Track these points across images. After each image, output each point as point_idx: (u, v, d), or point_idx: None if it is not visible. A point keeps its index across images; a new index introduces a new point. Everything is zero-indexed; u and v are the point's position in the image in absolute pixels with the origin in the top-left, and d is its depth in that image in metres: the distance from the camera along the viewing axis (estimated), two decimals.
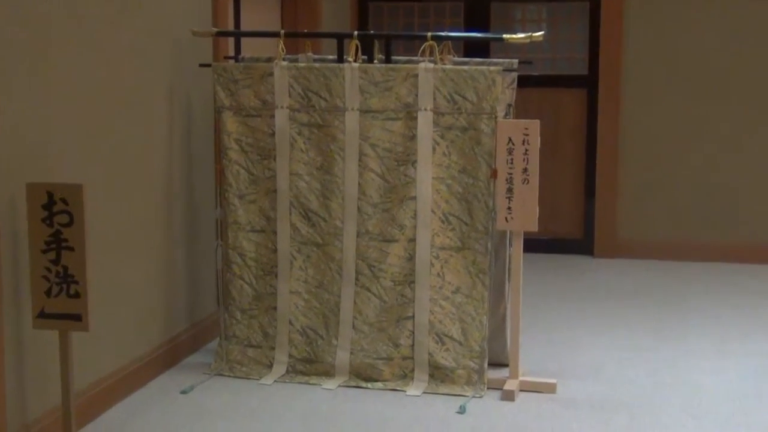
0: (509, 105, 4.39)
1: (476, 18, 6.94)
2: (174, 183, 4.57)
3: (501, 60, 4.40)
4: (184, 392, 4.24)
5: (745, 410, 4.08)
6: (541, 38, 4.26)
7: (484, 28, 6.89)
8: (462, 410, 4.04)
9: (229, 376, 4.44)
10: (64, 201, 3.35)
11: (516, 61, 4.37)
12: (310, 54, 4.56)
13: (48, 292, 3.40)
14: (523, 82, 6.74)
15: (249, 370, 4.46)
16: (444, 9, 7.04)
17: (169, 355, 4.54)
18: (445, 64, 4.35)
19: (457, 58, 4.46)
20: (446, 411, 4.05)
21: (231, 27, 5.44)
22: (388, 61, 4.44)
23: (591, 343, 4.96)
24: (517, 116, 6.84)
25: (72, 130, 3.76)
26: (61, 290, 3.39)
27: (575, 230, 6.96)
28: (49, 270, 3.39)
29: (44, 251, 3.39)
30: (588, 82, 6.81)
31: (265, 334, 4.50)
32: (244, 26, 5.66)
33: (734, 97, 6.59)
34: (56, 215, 3.36)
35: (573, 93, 6.88)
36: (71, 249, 3.37)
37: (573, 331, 5.17)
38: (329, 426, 3.90)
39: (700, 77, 6.61)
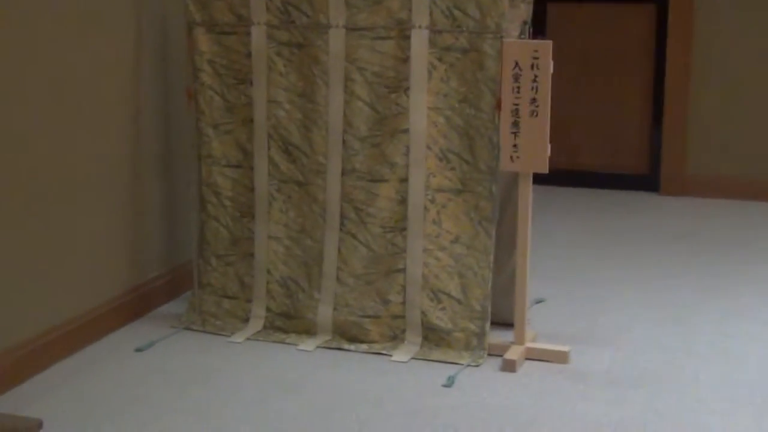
0: (525, 23, 3.74)
1: None
2: (145, 111, 4.06)
3: None
4: (139, 350, 3.76)
5: None
6: None
7: None
8: (449, 383, 3.48)
9: (199, 330, 3.96)
10: None
11: None
12: None
13: None
14: None
15: (223, 324, 3.97)
16: None
17: (139, 304, 4.09)
18: None
19: None
20: (432, 382, 3.50)
21: None
22: None
23: (626, 298, 4.34)
24: (576, 35, 6.23)
25: (9, 48, 3.30)
26: None
27: (640, 164, 6.27)
28: None
29: None
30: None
31: (242, 283, 3.99)
32: None
33: None
34: None
35: (639, 9, 6.13)
36: None
37: (608, 283, 4.54)
38: (289, 396, 3.40)
39: None
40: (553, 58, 6.09)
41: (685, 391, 3.44)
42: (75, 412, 3.25)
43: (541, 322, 4.01)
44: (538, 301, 4.27)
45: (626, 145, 6.26)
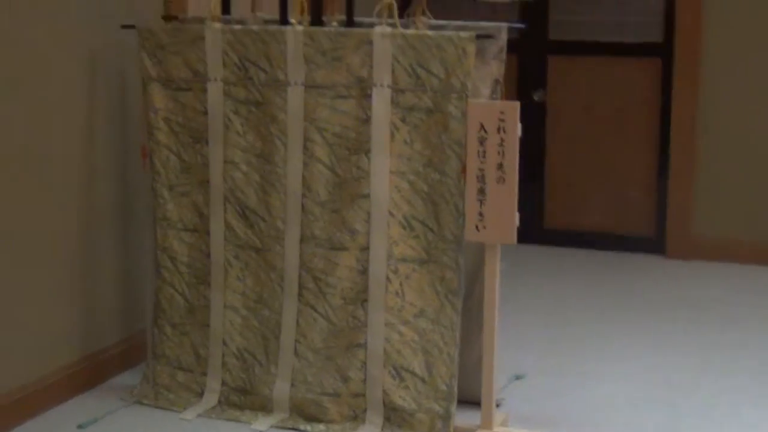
0: (497, 81, 3.50)
1: None
2: (100, 169, 3.86)
3: (484, 24, 3.50)
4: (80, 427, 3.51)
5: None
6: None
7: None
8: None
9: (150, 405, 3.71)
10: None
11: (504, 25, 3.47)
12: (260, 14, 3.74)
13: None
14: (582, 49, 5.90)
15: (176, 398, 3.72)
16: None
17: (91, 374, 3.86)
18: (417, 28, 3.49)
19: (433, 21, 3.58)
20: None
21: None
22: (350, 23, 3.59)
23: (616, 373, 4.05)
24: (578, 89, 5.98)
25: None
26: None
27: (645, 225, 5.97)
28: None
29: None
30: (662, 51, 5.79)
31: (198, 355, 3.75)
32: None
33: None
34: None
35: (644, 62, 5.88)
36: None
37: (599, 355, 4.25)
38: None
39: None
40: (555, 113, 5.86)
41: None
42: None
43: (518, 400, 3.75)
44: (517, 377, 4.00)
45: (630, 204, 5.98)
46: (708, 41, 5.61)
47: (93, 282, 3.86)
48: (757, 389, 3.88)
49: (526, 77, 6.06)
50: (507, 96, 6.03)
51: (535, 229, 6.08)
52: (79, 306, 3.80)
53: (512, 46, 5.89)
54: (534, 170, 6.04)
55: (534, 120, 6.02)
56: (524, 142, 5.88)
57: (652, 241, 5.91)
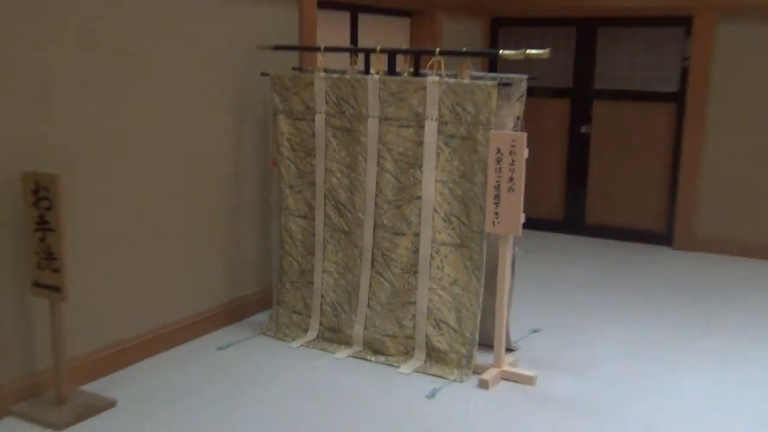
0: (518, 118, 3.35)
1: (586, 40, 5.76)
2: (246, 173, 3.90)
3: (511, 75, 3.36)
4: (219, 349, 3.56)
5: (720, 420, 2.90)
6: (545, 55, 3.16)
7: (592, 49, 5.71)
8: (432, 395, 3.12)
9: (271, 336, 3.72)
10: (46, 189, 2.72)
11: (524, 77, 3.31)
12: (355, 67, 3.69)
13: (38, 266, 2.79)
14: (618, 96, 5.61)
15: (290, 332, 3.73)
16: (559, 33, 5.89)
17: (236, 312, 3.90)
18: (463, 77, 3.38)
19: (475, 73, 3.46)
20: (420, 393, 3.14)
21: (347, 42, 4.69)
22: (416, 74, 3.51)
23: (607, 335, 3.84)
24: (613, 126, 5.71)
25: (147, 123, 3.21)
26: (47, 265, 2.78)
27: (659, 223, 5.65)
28: (38, 247, 2.78)
29: (34, 231, 2.78)
30: (677, 99, 5.48)
31: (306, 303, 3.75)
32: (367, 42, 4.85)
33: None
34: (41, 200, 2.74)
35: (662, 107, 5.56)
36: (52, 230, 2.74)
37: (599, 321, 4.04)
38: (307, 395, 3.11)
39: None
40: (596, 141, 5.59)
41: (631, 418, 2.96)
42: (146, 397, 3.08)
43: (531, 348, 3.60)
44: (534, 331, 3.85)
45: (648, 205, 5.68)
46: (714, 93, 5.26)
47: (239, 248, 3.91)
48: (727, 354, 3.62)
49: (576, 115, 5.84)
50: (560, 129, 5.86)
51: (579, 224, 5.87)
52: (230, 264, 3.85)
53: (566, 92, 5.79)
54: (579, 182, 5.82)
55: (581, 146, 5.80)
56: (572, 162, 5.71)
57: (662, 236, 5.61)
